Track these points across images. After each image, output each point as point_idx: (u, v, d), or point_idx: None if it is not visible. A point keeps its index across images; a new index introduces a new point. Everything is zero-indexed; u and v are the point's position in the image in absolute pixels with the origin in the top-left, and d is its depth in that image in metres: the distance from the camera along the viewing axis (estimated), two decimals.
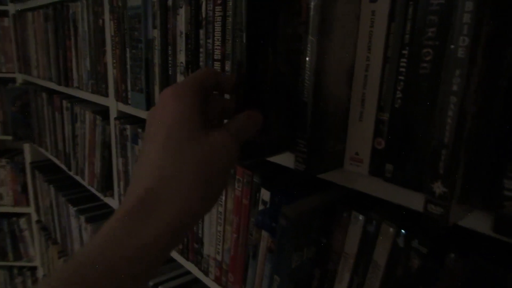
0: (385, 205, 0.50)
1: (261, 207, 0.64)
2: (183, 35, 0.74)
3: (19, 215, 2.21)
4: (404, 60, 0.43)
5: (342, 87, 0.48)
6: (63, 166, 1.55)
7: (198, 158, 0.30)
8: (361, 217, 0.51)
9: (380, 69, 0.46)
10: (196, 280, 0.91)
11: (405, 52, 0.43)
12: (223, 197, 0.74)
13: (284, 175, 0.68)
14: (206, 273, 0.82)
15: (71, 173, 1.47)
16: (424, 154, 0.41)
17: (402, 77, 0.44)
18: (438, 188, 0.35)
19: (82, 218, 1.48)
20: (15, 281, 2.34)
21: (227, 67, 0.64)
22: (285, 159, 0.56)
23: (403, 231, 0.47)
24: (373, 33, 0.46)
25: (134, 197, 0.28)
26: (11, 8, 1.88)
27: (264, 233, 0.57)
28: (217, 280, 0.79)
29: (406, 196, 0.44)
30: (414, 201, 0.43)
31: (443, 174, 0.35)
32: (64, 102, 1.40)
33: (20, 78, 1.91)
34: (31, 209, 2.14)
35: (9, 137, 2.06)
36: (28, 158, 2.02)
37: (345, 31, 0.47)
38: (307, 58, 0.45)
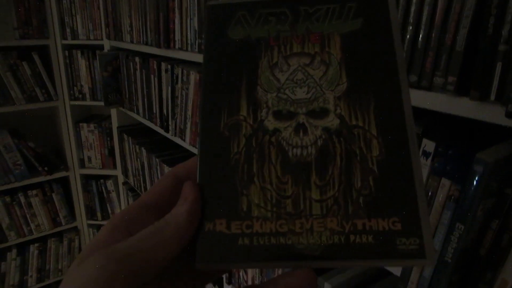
0: None
1: (421, 158, 0.63)
2: None
3: (106, 177, 2.34)
4: None
5: None
6: (157, 129, 1.60)
7: None
8: None
9: None
10: None
11: None
12: None
13: (440, 125, 0.65)
14: None
15: (168, 135, 1.51)
16: None
17: None
18: None
19: None
20: None
21: None
22: (449, 106, 0.53)
23: None
24: None
25: None
26: None
27: (444, 181, 0.55)
28: None
29: None
30: None
31: None
32: (163, 65, 1.43)
33: (107, 44, 1.98)
34: (117, 172, 2.26)
35: (98, 103, 2.16)
36: (115, 122, 2.10)
37: None
38: None
